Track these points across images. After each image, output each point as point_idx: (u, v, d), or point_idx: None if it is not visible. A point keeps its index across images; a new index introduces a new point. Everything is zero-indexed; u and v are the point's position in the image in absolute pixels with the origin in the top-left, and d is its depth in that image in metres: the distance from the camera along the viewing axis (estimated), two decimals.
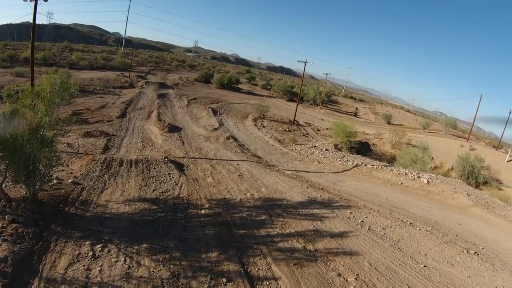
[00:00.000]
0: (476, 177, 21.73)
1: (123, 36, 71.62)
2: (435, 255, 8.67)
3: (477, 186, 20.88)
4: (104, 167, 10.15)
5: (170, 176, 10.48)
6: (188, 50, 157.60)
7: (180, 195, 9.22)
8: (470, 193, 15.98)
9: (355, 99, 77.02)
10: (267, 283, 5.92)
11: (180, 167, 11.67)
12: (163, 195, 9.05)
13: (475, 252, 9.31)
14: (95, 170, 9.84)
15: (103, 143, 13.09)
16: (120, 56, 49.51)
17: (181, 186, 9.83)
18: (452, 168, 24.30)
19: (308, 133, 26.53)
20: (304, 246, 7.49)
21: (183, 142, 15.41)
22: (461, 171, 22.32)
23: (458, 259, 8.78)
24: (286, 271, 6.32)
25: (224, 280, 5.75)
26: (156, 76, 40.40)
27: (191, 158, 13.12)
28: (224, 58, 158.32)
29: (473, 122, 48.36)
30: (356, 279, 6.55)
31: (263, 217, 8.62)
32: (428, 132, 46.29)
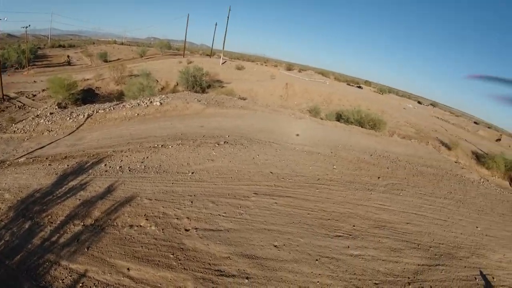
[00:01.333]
0: (200, 84, 26.60)
1: None
2: (195, 160, 10.51)
3: (203, 91, 25.80)
4: None
5: None
6: None
7: None
8: (199, 99, 19.59)
9: (64, 47, 69.83)
10: None
11: None
12: None
13: (224, 142, 12.01)
14: None
15: None
16: None
17: None
18: (178, 84, 28.28)
19: (24, 104, 23.05)
20: (83, 224, 7.21)
21: None
22: (185, 83, 26.47)
23: (214, 153, 11.05)
24: (84, 261, 6.11)
25: None
26: None
27: None
28: None
29: (185, 39, 55.80)
30: (147, 219, 7.33)
31: (27, 225, 7.28)
32: (147, 58, 50.12)
